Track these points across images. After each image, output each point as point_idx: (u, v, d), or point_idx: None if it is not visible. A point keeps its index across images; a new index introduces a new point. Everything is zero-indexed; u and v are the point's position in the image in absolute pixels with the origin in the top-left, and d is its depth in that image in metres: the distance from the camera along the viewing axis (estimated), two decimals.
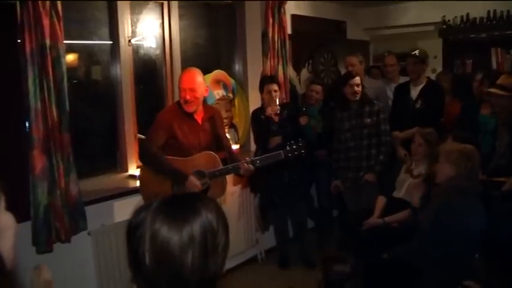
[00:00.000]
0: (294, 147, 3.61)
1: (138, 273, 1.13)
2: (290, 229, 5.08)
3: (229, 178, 3.95)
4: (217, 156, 3.57)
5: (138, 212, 1.18)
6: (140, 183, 3.59)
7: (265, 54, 4.98)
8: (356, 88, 4.42)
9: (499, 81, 4.00)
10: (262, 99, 4.66)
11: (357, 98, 4.45)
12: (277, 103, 4.49)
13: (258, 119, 4.64)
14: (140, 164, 4.12)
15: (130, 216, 1.19)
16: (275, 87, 4.54)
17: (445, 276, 3.01)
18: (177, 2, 4.44)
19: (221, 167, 3.53)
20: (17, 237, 1.09)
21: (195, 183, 3.42)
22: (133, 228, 1.15)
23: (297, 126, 4.57)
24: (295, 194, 4.72)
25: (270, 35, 4.94)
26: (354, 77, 4.48)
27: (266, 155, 3.69)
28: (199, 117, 3.60)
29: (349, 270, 2.50)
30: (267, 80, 4.66)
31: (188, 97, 3.44)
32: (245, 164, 3.53)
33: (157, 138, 3.47)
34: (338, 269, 2.51)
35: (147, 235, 1.12)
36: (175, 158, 3.47)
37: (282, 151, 3.61)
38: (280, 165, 4.04)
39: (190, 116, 3.55)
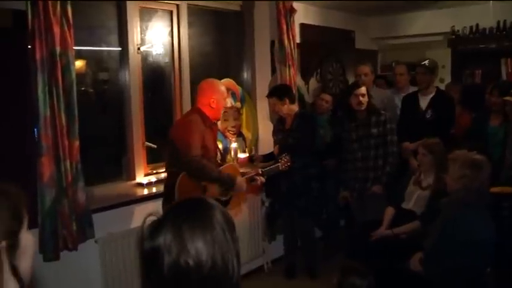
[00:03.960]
0: (285, 159, 4.10)
1: (185, 285, 1.10)
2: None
3: None
4: (238, 167, 3.93)
5: (151, 234, 1.13)
6: (179, 192, 3.37)
7: (283, 62, 4.98)
8: (361, 98, 4.40)
9: None
10: None
11: (362, 108, 4.43)
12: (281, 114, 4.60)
13: (275, 125, 4.82)
14: (148, 172, 4.14)
15: (139, 239, 1.15)
16: (273, 100, 4.56)
17: None
18: (186, 9, 4.44)
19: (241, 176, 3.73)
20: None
21: (243, 184, 3.62)
22: (153, 251, 1.11)
23: (301, 138, 4.53)
24: (294, 206, 4.67)
25: (286, 43, 4.94)
26: (360, 87, 4.46)
27: (269, 167, 4.06)
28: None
29: (364, 285, 2.44)
30: (268, 94, 4.69)
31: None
32: (259, 176, 3.85)
33: (198, 147, 3.43)
34: (353, 282, 2.47)
35: (182, 258, 1.09)
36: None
37: (279, 164, 4.07)
38: (279, 177, 4.45)
39: (212, 123, 3.64)
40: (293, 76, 5.05)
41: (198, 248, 1.09)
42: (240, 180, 3.59)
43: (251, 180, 3.81)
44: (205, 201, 1.21)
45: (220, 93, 3.61)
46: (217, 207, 1.19)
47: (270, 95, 4.63)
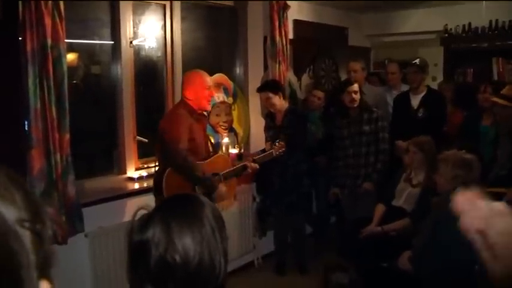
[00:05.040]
0: (279, 145, 4.11)
1: (170, 280, 1.10)
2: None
3: None
4: (228, 157, 3.91)
5: (141, 227, 1.13)
6: (167, 185, 3.36)
7: (273, 58, 4.98)
8: (354, 95, 4.40)
9: (503, 92, 3.99)
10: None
11: (355, 105, 4.44)
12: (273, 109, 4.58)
13: (266, 122, 4.77)
14: (139, 166, 4.12)
15: (129, 232, 1.15)
16: (266, 95, 4.53)
17: (444, 286, 2.99)
18: (179, 4, 4.42)
19: (232, 167, 3.77)
20: None
21: (222, 192, 3.54)
22: (141, 244, 1.11)
23: (294, 134, 4.52)
24: (286, 203, 4.66)
25: (278, 39, 4.95)
26: (352, 84, 4.47)
27: (262, 155, 4.10)
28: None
29: (347, 281, 2.47)
30: (259, 88, 4.67)
31: (213, 94, 3.66)
32: (251, 163, 3.87)
33: (185, 143, 3.41)
34: (337, 279, 2.49)
35: (169, 253, 1.09)
36: (198, 162, 3.50)
37: (272, 150, 4.08)
38: (272, 173, 4.52)
39: (198, 116, 3.62)
40: (283, 72, 5.04)
41: (186, 244, 1.09)
42: (222, 191, 3.55)
43: (242, 169, 3.81)
44: (197, 198, 1.21)
45: (196, 84, 3.56)
46: (208, 204, 1.19)
47: (261, 89, 4.61)
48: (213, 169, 3.61)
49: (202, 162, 3.56)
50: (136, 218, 1.16)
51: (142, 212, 1.18)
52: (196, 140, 3.55)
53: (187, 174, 3.42)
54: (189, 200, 1.21)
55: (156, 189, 3.45)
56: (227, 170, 3.69)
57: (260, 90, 4.63)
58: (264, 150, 4.45)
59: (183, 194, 1.27)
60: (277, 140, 4.18)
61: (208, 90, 3.61)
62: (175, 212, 1.15)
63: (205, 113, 3.93)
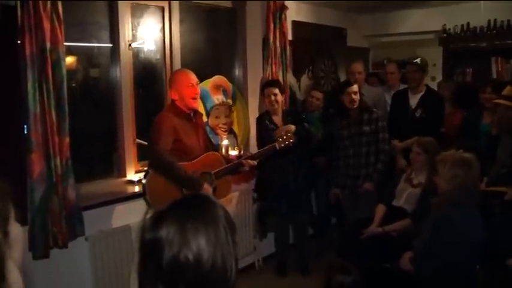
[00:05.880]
0: (285, 137, 3.82)
1: (181, 280, 1.09)
2: (291, 236, 5.06)
3: None
4: (220, 155, 3.71)
5: (153, 225, 1.12)
6: (149, 189, 3.35)
7: (266, 60, 4.98)
8: (354, 96, 4.41)
9: (504, 92, 3.99)
10: (264, 103, 4.66)
11: (355, 106, 4.44)
12: (276, 107, 4.53)
13: (263, 123, 4.64)
14: (139, 169, 4.11)
15: (141, 229, 1.13)
16: (275, 91, 4.50)
17: (445, 287, 2.98)
18: (178, 6, 4.42)
19: (225, 165, 3.59)
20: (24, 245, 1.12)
21: (208, 191, 3.37)
22: (154, 242, 1.10)
23: (312, 133, 4.51)
24: (300, 202, 4.66)
25: (271, 40, 4.94)
26: (352, 85, 4.47)
27: (262, 149, 3.91)
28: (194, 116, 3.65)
29: (349, 282, 2.47)
30: (268, 84, 4.64)
31: (197, 91, 3.50)
32: (248, 160, 3.66)
33: (166, 144, 3.34)
34: (339, 279, 2.49)
35: (183, 253, 1.07)
36: (183, 163, 3.39)
37: (276, 143, 3.81)
38: (285, 171, 4.48)
39: (188, 115, 3.55)
40: (275, 74, 5.03)
41: (201, 245, 1.08)
42: (207, 191, 3.35)
43: (237, 166, 3.66)
44: (211, 200, 1.20)
45: (178, 83, 3.50)
46: (221, 207, 1.18)
47: (271, 84, 4.59)
48: (204, 168, 3.48)
49: (187, 162, 3.41)
50: (148, 216, 1.15)
51: (154, 210, 1.17)
52: (185, 141, 3.45)
53: (166, 174, 3.32)
54: (204, 201, 1.19)
55: (144, 192, 3.41)
56: (219, 169, 3.55)
57: (269, 85, 4.59)
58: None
59: (197, 194, 1.25)
60: (285, 131, 3.97)
61: (192, 87, 3.48)
62: (190, 211, 1.14)
63: (204, 113, 3.91)
